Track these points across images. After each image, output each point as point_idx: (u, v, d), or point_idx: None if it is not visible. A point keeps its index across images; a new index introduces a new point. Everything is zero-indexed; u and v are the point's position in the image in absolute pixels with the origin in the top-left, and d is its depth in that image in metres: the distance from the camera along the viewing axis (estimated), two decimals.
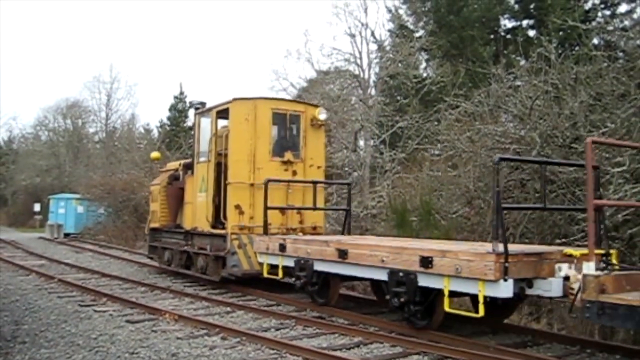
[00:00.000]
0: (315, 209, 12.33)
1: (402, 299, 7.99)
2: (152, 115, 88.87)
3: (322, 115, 13.01)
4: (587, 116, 11.90)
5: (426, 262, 7.60)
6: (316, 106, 13.49)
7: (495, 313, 8.24)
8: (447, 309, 7.52)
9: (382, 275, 8.40)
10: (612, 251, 7.37)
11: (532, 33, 22.37)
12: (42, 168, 47.17)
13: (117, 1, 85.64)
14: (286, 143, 12.98)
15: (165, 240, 15.17)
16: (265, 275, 11.11)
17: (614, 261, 7.20)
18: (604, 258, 6.93)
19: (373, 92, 22.57)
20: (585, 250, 6.85)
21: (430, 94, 20.54)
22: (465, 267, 7.05)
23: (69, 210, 32.03)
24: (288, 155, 12.63)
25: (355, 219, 17.00)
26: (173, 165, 16.05)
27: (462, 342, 7.58)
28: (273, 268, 10.90)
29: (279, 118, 12.85)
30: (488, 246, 7.40)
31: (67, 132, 49.87)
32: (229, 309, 10.31)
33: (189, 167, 14.37)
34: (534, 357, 7.03)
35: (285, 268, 10.55)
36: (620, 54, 13.18)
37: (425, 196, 14.52)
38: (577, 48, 15.96)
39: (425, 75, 23.25)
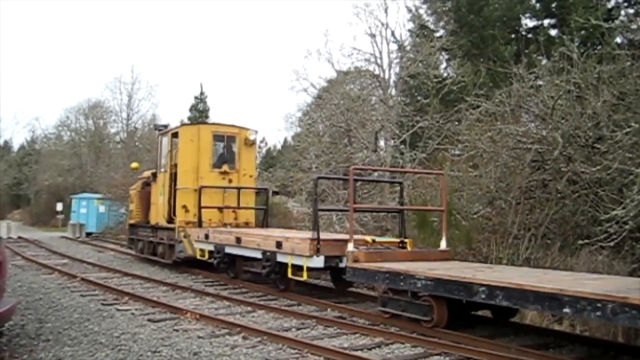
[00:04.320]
0: (239, 208, 15.89)
1: (268, 270, 11.55)
2: (173, 115, 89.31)
3: (252, 136, 16.42)
4: (610, 116, 11.79)
5: (279, 244, 11.18)
6: (248, 129, 16.58)
7: (341, 284, 11.83)
8: (290, 276, 10.99)
9: (259, 254, 11.89)
10: (406, 240, 11.08)
11: (553, 32, 22.16)
12: (64, 168, 47.50)
13: (139, 3, 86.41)
14: (224, 158, 16.36)
15: (139, 233, 18.46)
16: (198, 257, 14.24)
17: (409, 247, 10.88)
18: (400, 244, 10.91)
19: (393, 92, 22.49)
20: (381, 238, 11.62)
21: (450, 93, 20.41)
22: (297, 248, 10.66)
23: (91, 209, 32.34)
24: (225, 167, 16.03)
25: (375, 219, 17.05)
26: (146, 174, 19.16)
27: (483, 343, 7.55)
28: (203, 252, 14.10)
29: (218, 138, 16.38)
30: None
31: (89, 132, 50.16)
32: (249, 308, 10.36)
33: (155, 176, 17.63)
34: (556, 358, 6.99)
35: (209, 252, 13.75)
36: None
37: (446, 196, 14.44)
38: (599, 47, 15.78)
39: (445, 75, 23.12)
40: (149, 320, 9.26)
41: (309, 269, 10.56)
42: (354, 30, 64.39)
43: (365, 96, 22.97)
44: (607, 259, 10.48)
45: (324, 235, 10.85)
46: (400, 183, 12.51)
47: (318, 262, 10.33)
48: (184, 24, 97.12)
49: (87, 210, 32.42)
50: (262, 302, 10.77)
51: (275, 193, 21.27)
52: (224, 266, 13.40)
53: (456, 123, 17.52)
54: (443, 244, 10.55)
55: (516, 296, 6.98)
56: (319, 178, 13.11)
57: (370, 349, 7.62)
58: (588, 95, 12.24)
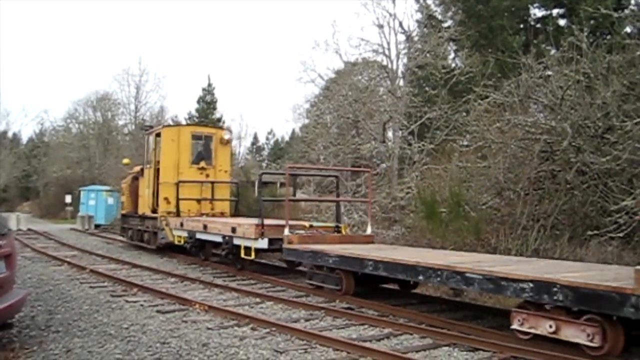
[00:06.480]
0: (213, 199, 17.79)
1: (226, 252, 13.41)
2: (181, 107, 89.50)
3: (226, 136, 18.56)
4: (620, 106, 11.71)
5: (234, 230, 13.05)
6: (223, 129, 19.33)
7: (290, 264, 13.60)
8: (243, 256, 12.74)
9: (220, 239, 13.73)
10: (341, 225, 13.17)
11: (562, 22, 21.97)
12: (73, 160, 47.67)
13: None
14: (202, 155, 18.16)
15: (130, 222, 20.35)
16: (175, 242, 16.10)
17: (343, 232, 12.91)
18: (335, 229, 12.87)
19: (401, 83, 22.41)
20: (318, 224, 13.71)
21: (459, 84, 20.32)
22: (246, 232, 12.49)
23: (100, 201, 32.45)
24: (203, 164, 17.91)
25: (384, 210, 17.06)
26: (136, 169, 20.91)
27: (492, 334, 7.54)
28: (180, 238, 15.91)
29: (197, 138, 18.27)
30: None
31: (97, 125, 50.24)
32: (258, 299, 10.37)
33: (143, 171, 19.38)
34: (565, 349, 6.96)
35: (184, 237, 15.54)
36: None
37: (455, 187, 14.42)
38: (609, 37, 15.69)
39: (454, 65, 23.00)
40: (157, 311, 9.29)
41: (257, 250, 12.38)
42: (362, 21, 64.36)
43: (373, 87, 22.93)
44: (617, 250, 10.43)
45: (268, 221, 12.40)
46: (336, 177, 14.90)
47: (263, 243, 12.07)
48: (191, 15, 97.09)
49: (96, 202, 32.54)
50: (270, 293, 10.79)
51: (283, 184, 21.41)
52: (196, 250, 15.27)
53: (464, 114, 17.44)
54: (368, 230, 12.46)
55: (390, 268, 8.87)
56: (263, 174, 16.22)
57: (379, 340, 7.61)
58: (597, 85, 12.16)
